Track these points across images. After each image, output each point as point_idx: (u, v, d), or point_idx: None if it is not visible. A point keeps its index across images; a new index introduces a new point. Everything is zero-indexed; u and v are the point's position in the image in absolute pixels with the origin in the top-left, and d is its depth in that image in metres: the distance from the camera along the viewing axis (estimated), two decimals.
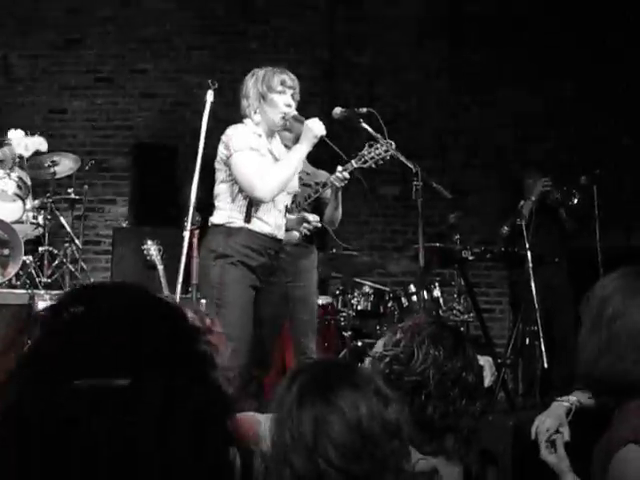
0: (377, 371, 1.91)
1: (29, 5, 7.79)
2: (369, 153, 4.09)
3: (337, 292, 5.81)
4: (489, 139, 7.30)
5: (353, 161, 4.15)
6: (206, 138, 3.70)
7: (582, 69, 7.05)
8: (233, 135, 3.54)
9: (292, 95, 3.66)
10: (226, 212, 3.56)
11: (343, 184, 4.31)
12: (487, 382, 5.40)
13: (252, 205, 3.52)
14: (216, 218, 3.54)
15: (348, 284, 5.76)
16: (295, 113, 3.68)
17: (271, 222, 3.57)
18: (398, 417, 1.44)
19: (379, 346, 2.00)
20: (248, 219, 3.52)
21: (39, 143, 3.72)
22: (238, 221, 3.52)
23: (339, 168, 4.32)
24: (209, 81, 3.51)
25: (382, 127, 4.04)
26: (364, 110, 4.09)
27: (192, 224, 3.25)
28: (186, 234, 3.23)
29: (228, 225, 3.54)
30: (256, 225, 3.54)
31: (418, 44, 7.43)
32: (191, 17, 7.68)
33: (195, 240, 3.30)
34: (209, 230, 3.52)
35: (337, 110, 4.24)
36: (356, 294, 5.69)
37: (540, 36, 7.12)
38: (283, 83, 3.68)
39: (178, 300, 3.25)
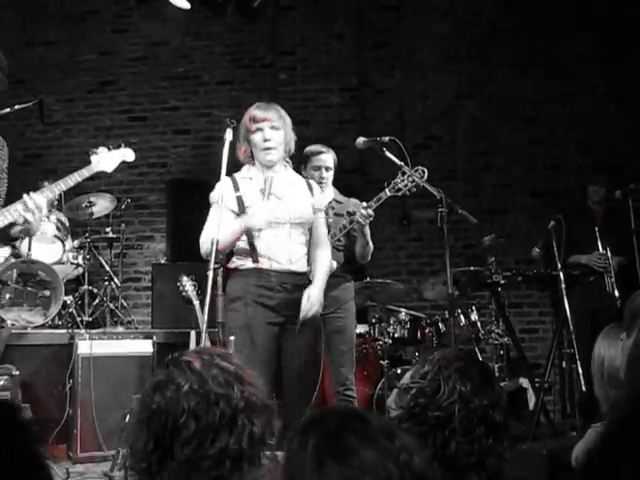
0: (402, 403, 1.88)
1: (65, 51, 8.01)
2: (402, 181, 4.10)
3: (373, 320, 5.77)
4: (521, 158, 7.24)
5: (387, 190, 4.16)
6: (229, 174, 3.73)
7: (607, 82, 6.98)
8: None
9: (271, 126, 3.59)
10: (236, 256, 3.58)
11: (368, 221, 4.32)
12: (532, 405, 5.32)
13: (254, 246, 3.55)
14: (230, 263, 3.58)
15: (384, 312, 5.73)
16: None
17: (281, 257, 3.55)
18: (425, 467, 1.39)
19: (407, 378, 1.97)
20: (256, 259, 3.52)
21: (122, 155, 3.78)
22: (248, 263, 3.53)
23: (363, 204, 4.33)
24: (227, 119, 3.53)
25: (405, 154, 4.04)
26: (387, 139, 4.08)
27: (215, 263, 3.27)
28: (210, 273, 3.24)
29: (240, 268, 3.57)
30: (265, 263, 3.56)
31: (447, 66, 7.41)
32: (219, 53, 7.80)
33: (220, 279, 3.32)
34: (226, 275, 3.55)
35: (360, 140, 4.24)
36: (392, 321, 5.64)
37: (571, 56, 7.07)
38: (254, 120, 3.61)
39: (207, 336, 3.27)
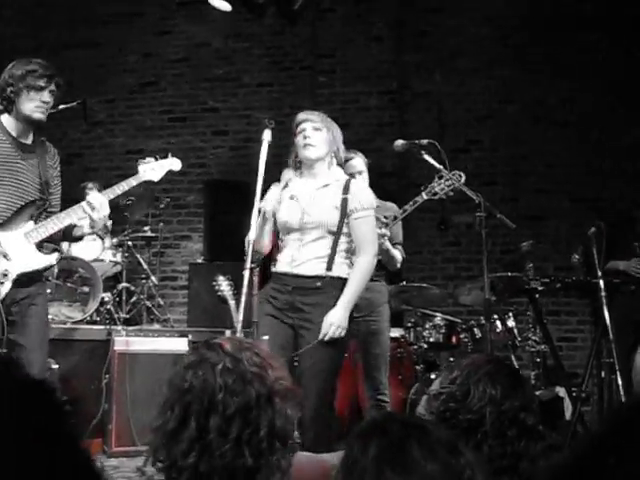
0: (432, 409, 1.87)
1: (108, 52, 8.12)
2: (439, 185, 4.07)
3: (409, 325, 5.74)
4: (561, 163, 7.14)
5: (423, 193, 4.14)
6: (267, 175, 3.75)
7: None
8: None
9: (313, 127, 3.67)
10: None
11: (382, 240, 4.29)
12: (568, 414, 5.24)
13: (277, 249, 3.67)
14: None
15: (419, 316, 5.70)
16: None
17: (283, 259, 3.62)
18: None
19: (436, 384, 1.96)
20: (274, 262, 3.67)
21: (169, 164, 3.85)
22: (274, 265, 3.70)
23: (382, 219, 4.32)
24: (265, 120, 3.55)
25: (444, 158, 4.01)
26: (425, 142, 4.07)
27: (252, 262, 3.28)
28: (246, 273, 3.26)
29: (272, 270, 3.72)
30: (276, 266, 3.66)
31: (487, 70, 7.35)
32: (259, 55, 7.84)
33: (255, 278, 3.33)
34: None
35: (398, 142, 4.23)
36: (428, 326, 5.61)
37: (615, 62, 6.96)
38: (297, 123, 3.74)
39: (242, 336, 3.28)
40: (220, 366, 1.63)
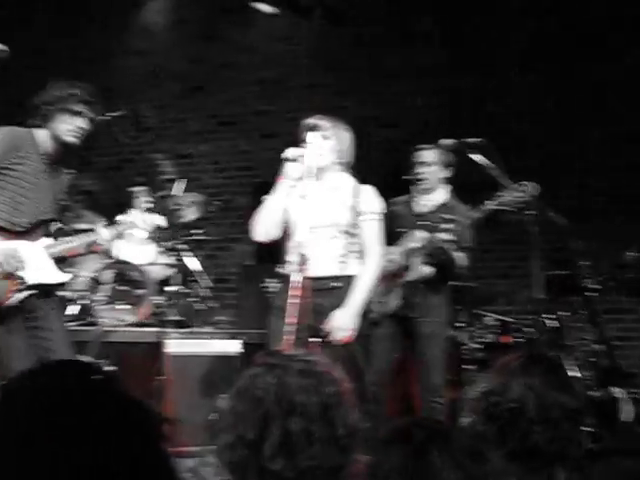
0: (476, 410, 1.87)
1: (155, 60, 8.24)
2: (507, 195, 4.00)
3: (459, 325, 5.69)
4: (604, 160, 6.98)
5: (488, 202, 4.08)
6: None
7: None
8: None
9: (321, 135, 3.69)
10: None
11: (444, 246, 4.30)
12: (624, 416, 5.14)
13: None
14: None
15: (470, 316, 5.65)
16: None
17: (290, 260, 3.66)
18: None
19: (472, 390, 1.98)
20: (286, 264, 3.78)
21: (159, 220, 3.98)
22: None
23: (444, 226, 4.30)
24: (308, 122, 3.58)
25: (494, 157, 3.97)
26: (473, 140, 4.03)
27: (300, 264, 3.31)
28: (296, 275, 3.29)
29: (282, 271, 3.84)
30: (287, 268, 3.73)
31: (527, 66, 7.18)
32: (306, 57, 7.85)
33: (304, 281, 3.34)
34: None
35: (445, 141, 4.21)
36: (479, 326, 5.55)
37: None
38: (305, 131, 3.85)
39: (289, 339, 3.30)
40: (292, 369, 1.63)
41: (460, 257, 4.52)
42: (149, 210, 6.86)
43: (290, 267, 3.58)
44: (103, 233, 3.80)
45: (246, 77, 8.01)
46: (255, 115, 7.99)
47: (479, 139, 4.03)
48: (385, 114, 7.48)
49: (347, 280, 3.66)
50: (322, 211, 3.66)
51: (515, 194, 3.94)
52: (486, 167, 3.98)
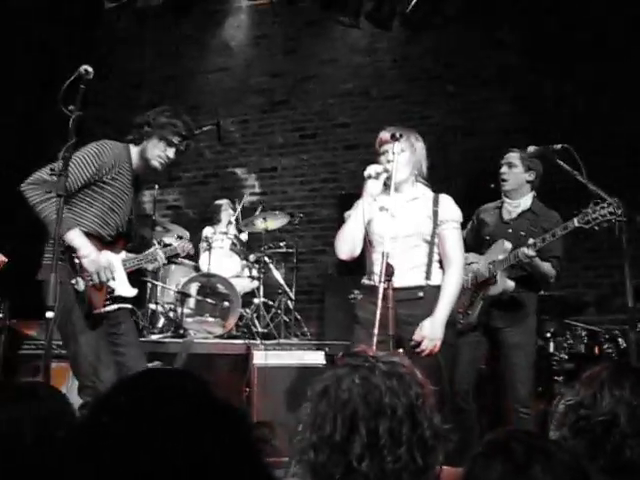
0: (565, 423, 1.82)
1: (237, 76, 8.42)
2: (594, 212, 3.89)
3: (548, 335, 5.55)
4: None
5: (575, 219, 3.96)
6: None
7: None
8: None
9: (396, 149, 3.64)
10: None
11: (528, 261, 4.22)
12: None
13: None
14: None
15: (559, 326, 5.51)
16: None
17: (374, 271, 3.65)
18: None
19: (560, 404, 1.92)
20: (369, 275, 3.81)
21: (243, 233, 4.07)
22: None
23: (530, 241, 4.20)
24: (394, 133, 3.57)
25: (579, 163, 3.87)
26: (559, 146, 3.94)
27: (386, 276, 3.31)
28: (380, 286, 3.28)
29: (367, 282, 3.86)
30: (372, 279, 3.72)
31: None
32: (386, 68, 7.87)
33: (390, 292, 3.33)
34: None
35: (531, 148, 4.14)
36: (568, 336, 5.41)
37: None
38: (379, 143, 3.81)
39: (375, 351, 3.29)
40: (378, 370, 1.63)
41: (547, 267, 4.42)
42: (233, 223, 7.02)
43: (374, 278, 3.59)
44: (159, 254, 3.96)
45: (328, 89, 8.08)
46: (338, 127, 8.04)
47: (564, 145, 3.93)
48: (467, 123, 7.41)
49: (431, 290, 3.64)
50: (403, 222, 3.65)
51: (602, 211, 3.82)
52: (573, 173, 3.87)
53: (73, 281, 3.55)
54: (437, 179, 4.68)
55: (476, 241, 4.68)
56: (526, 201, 4.59)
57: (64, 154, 3.23)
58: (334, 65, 8.08)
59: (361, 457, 1.55)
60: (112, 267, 3.66)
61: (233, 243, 6.69)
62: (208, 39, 8.61)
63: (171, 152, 3.82)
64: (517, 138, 7.01)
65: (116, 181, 3.72)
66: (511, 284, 4.36)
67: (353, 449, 1.55)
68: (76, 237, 3.51)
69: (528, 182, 4.59)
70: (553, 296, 5.49)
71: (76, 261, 3.57)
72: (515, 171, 4.57)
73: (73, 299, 3.54)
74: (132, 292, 3.87)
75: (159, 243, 6.25)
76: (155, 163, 3.81)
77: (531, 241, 4.18)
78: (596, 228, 3.87)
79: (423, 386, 1.64)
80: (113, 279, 3.67)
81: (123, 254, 3.83)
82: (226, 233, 6.80)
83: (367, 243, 3.83)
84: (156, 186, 7.01)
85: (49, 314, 3.05)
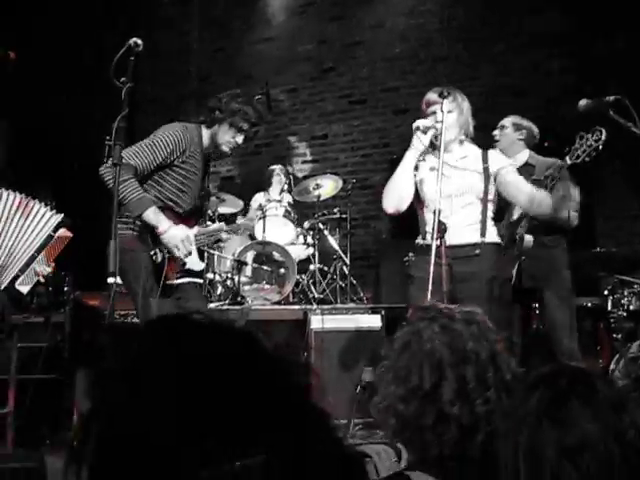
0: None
1: (283, 44, 8.43)
2: (581, 146, 3.87)
3: (606, 292, 5.50)
4: None
5: (567, 157, 3.96)
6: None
7: None
8: None
9: (444, 109, 3.64)
10: None
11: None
12: None
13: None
14: None
15: (617, 283, 5.44)
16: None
17: (427, 230, 3.71)
18: None
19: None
20: (422, 234, 3.93)
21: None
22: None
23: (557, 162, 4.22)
24: (443, 90, 3.58)
25: (634, 115, 3.80)
26: (612, 98, 3.87)
27: (438, 232, 3.33)
28: (433, 243, 3.32)
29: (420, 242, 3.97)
30: (426, 237, 3.81)
31: None
32: (433, 30, 7.78)
33: (443, 249, 3.35)
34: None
35: (582, 102, 4.07)
36: (626, 293, 5.34)
37: None
38: (427, 104, 3.84)
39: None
40: (457, 318, 1.67)
41: (565, 214, 4.40)
42: (286, 191, 7.08)
43: (428, 237, 3.62)
44: (224, 236, 4.10)
45: (376, 54, 8.04)
46: (386, 92, 8.00)
47: (617, 96, 3.85)
48: (516, 82, 7.30)
49: (487, 247, 3.67)
50: (455, 180, 3.67)
51: (587, 143, 3.80)
52: (627, 125, 3.80)
53: (152, 252, 3.67)
54: (490, 140, 4.70)
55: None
56: (522, 156, 4.72)
57: (118, 124, 3.31)
58: (380, 30, 8.03)
59: (452, 402, 1.59)
60: (190, 241, 3.75)
61: (287, 211, 6.76)
62: (254, 10, 8.63)
63: (240, 139, 3.89)
64: (568, 95, 6.90)
65: (187, 163, 3.82)
66: (529, 238, 4.36)
67: (443, 395, 1.59)
68: (153, 214, 3.61)
69: (520, 140, 4.79)
70: (609, 252, 5.43)
71: (148, 239, 3.71)
72: (505, 132, 4.80)
73: (144, 267, 3.64)
74: (201, 266, 3.98)
75: (213, 214, 6.39)
76: (225, 148, 3.91)
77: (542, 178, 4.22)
78: (587, 159, 3.86)
79: (498, 333, 1.69)
80: (190, 253, 3.77)
81: (195, 229, 3.90)
82: (280, 201, 6.87)
83: (419, 204, 3.86)
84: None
85: (110, 279, 3.15)
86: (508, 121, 4.86)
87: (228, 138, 3.87)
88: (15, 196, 4.17)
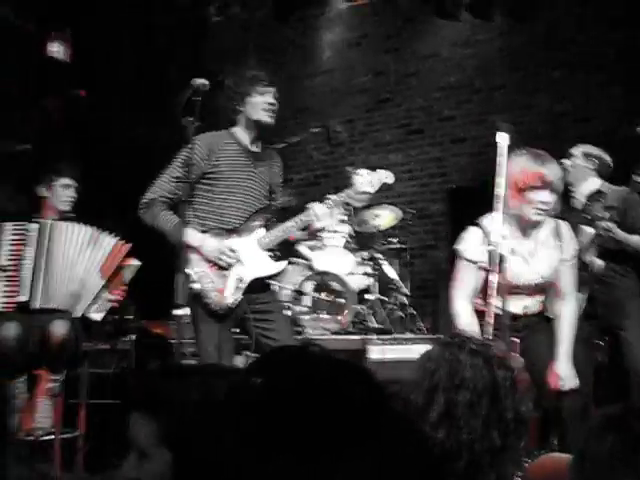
0: None
1: (342, 77, 8.54)
2: None
3: None
4: None
5: (638, 177, 3.99)
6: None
7: None
8: None
9: (551, 189, 3.59)
10: None
11: (609, 234, 4.29)
12: None
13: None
14: None
15: None
16: None
17: (515, 304, 3.65)
18: None
19: None
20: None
21: (385, 177, 4.00)
22: None
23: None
24: (501, 124, 3.53)
25: None
26: None
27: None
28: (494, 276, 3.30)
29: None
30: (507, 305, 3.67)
31: None
32: (490, 58, 7.76)
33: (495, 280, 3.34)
34: None
35: None
36: None
37: None
38: (542, 179, 3.55)
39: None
40: (467, 348, 1.73)
41: (636, 239, 4.33)
42: (344, 222, 7.11)
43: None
44: (317, 208, 3.81)
45: (431, 84, 8.07)
46: (443, 121, 8.02)
47: None
48: (577, 109, 7.23)
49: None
50: (539, 271, 3.66)
51: None
52: None
53: (190, 285, 3.56)
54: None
55: None
56: (590, 184, 4.67)
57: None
58: (436, 59, 8.06)
59: (437, 425, 1.64)
60: (233, 252, 3.68)
61: (347, 241, 6.79)
62: (310, 43, 8.77)
63: (269, 97, 3.78)
64: (631, 119, 6.81)
65: (219, 167, 3.75)
66: (599, 262, 4.31)
67: (431, 416, 1.66)
68: (189, 237, 3.55)
69: (588, 169, 4.74)
70: None
71: (188, 269, 3.59)
72: (575, 162, 4.74)
73: (191, 301, 3.56)
74: (274, 268, 3.84)
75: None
76: (265, 119, 3.78)
77: (605, 213, 4.27)
78: None
79: (514, 371, 1.71)
80: (237, 261, 3.70)
81: (261, 231, 3.82)
82: (338, 232, 6.90)
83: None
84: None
85: (177, 312, 3.22)
86: (578, 150, 4.82)
87: (260, 107, 3.76)
88: (87, 230, 4.35)
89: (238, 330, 3.93)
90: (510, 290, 3.39)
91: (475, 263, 3.59)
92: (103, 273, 4.34)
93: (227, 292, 3.69)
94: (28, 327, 4.15)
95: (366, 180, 3.88)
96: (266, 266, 3.82)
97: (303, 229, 3.90)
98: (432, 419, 1.66)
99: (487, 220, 3.59)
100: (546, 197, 3.49)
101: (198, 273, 3.64)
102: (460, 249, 3.71)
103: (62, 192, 4.50)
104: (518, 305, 3.64)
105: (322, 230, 5.80)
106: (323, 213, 3.78)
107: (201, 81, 3.44)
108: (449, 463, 1.62)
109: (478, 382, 1.66)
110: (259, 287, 3.81)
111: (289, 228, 3.82)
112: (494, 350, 1.74)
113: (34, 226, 4.33)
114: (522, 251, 3.61)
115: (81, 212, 4.59)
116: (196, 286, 3.58)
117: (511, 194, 3.52)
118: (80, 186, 4.57)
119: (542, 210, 3.51)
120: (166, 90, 3.82)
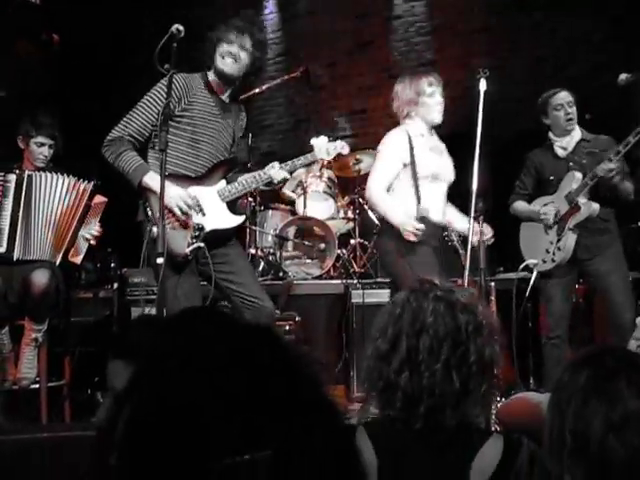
0: None
1: (323, 19, 8.41)
2: (635, 137, 3.88)
3: None
4: None
5: (621, 146, 3.98)
6: (486, 124, 3.78)
7: None
8: None
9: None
10: None
11: (609, 175, 4.18)
12: None
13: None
14: None
15: None
16: None
17: (434, 208, 4.16)
18: None
19: None
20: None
21: (340, 147, 4.01)
22: None
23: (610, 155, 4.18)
24: (480, 70, 3.56)
25: None
26: None
27: (475, 211, 3.37)
28: (470, 220, 3.35)
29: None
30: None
31: None
32: (470, 1, 7.67)
33: (477, 227, 3.40)
34: None
35: (622, 76, 4.05)
36: None
37: None
38: (430, 84, 4.26)
39: (468, 284, 3.38)
40: (431, 294, 1.76)
41: (627, 184, 4.38)
42: (326, 166, 7.11)
43: None
44: (273, 171, 3.75)
45: (413, 28, 7.98)
46: (425, 65, 7.95)
47: None
48: (558, 52, 7.20)
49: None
50: (450, 168, 4.43)
51: None
52: None
53: (148, 229, 3.51)
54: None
55: (539, 185, 4.72)
56: (577, 132, 4.62)
57: (163, 111, 3.37)
58: (419, 2, 7.96)
59: (399, 371, 1.69)
60: (193, 200, 3.61)
61: (328, 186, 6.80)
62: None
63: (234, 48, 3.69)
64: (611, 66, 6.79)
65: (191, 111, 3.69)
66: (596, 206, 4.35)
67: (393, 361, 1.71)
68: (149, 180, 3.52)
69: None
70: None
71: (148, 210, 3.59)
72: (575, 108, 4.61)
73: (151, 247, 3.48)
74: (233, 221, 3.77)
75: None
76: (226, 69, 3.72)
77: (597, 159, 4.22)
78: None
79: (480, 317, 1.74)
80: (198, 209, 3.64)
81: (222, 183, 3.76)
82: (320, 176, 6.89)
83: None
84: (249, 134, 7.15)
85: (159, 260, 3.21)
86: (571, 96, 4.65)
87: (222, 56, 3.71)
88: (65, 179, 4.34)
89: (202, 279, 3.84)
90: None
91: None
92: (73, 215, 4.34)
93: (185, 240, 3.63)
94: (9, 278, 4.15)
95: (323, 148, 3.91)
96: (226, 218, 3.76)
97: (267, 184, 3.84)
98: (395, 365, 1.70)
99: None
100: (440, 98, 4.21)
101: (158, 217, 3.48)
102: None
103: (36, 149, 4.40)
104: None
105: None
106: (282, 177, 3.77)
107: (176, 27, 3.38)
108: (412, 408, 1.67)
109: (439, 327, 1.70)
110: (219, 238, 3.75)
111: (249, 183, 3.77)
112: (458, 295, 1.77)
113: (12, 177, 4.28)
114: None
115: (64, 156, 4.53)
116: (155, 230, 3.43)
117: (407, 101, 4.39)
118: (61, 138, 4.48)
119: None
120: (143, 41, 3.77)
